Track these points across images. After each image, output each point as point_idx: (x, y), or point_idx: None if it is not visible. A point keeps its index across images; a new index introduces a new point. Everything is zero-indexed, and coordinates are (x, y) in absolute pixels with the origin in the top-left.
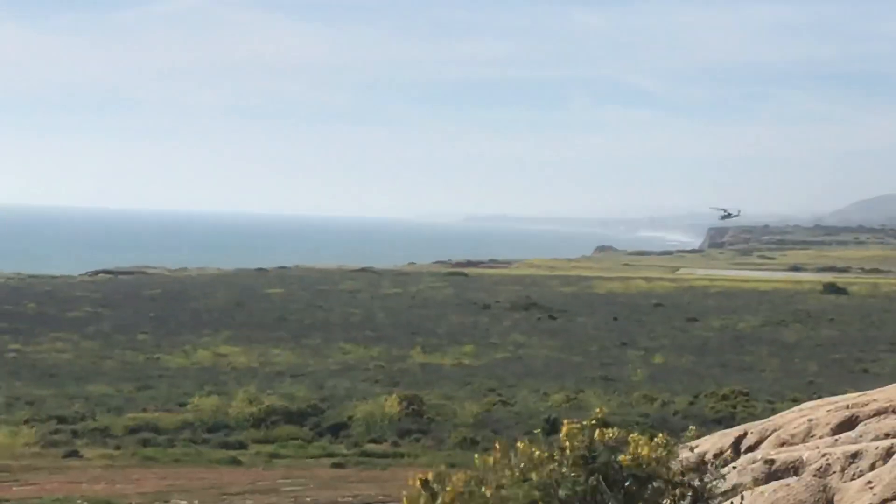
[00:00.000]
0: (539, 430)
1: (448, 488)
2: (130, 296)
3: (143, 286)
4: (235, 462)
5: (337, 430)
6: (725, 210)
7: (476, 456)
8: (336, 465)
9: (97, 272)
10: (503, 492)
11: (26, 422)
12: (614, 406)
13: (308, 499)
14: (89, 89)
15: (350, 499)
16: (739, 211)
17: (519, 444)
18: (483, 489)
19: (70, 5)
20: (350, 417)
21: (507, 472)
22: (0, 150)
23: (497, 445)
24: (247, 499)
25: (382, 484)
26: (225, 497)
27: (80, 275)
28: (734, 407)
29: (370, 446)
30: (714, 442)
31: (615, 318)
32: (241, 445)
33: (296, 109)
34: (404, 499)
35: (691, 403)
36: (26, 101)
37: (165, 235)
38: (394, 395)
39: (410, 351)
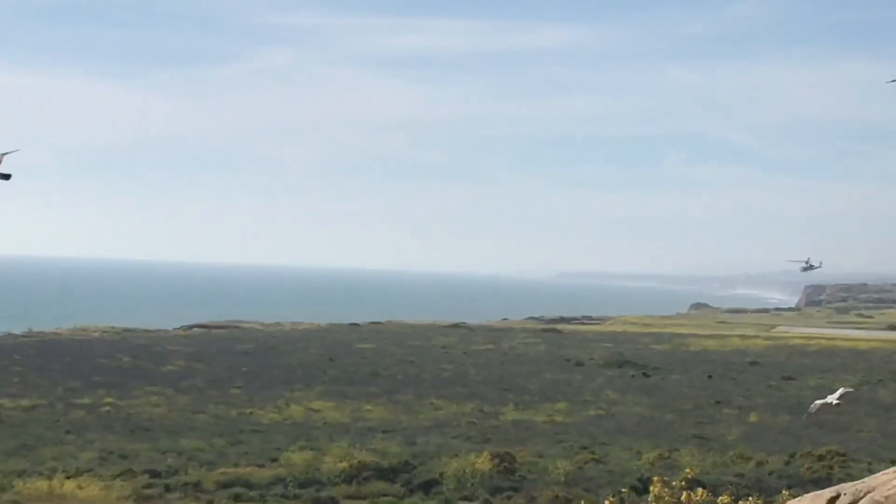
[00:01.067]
0: (627, 490)
1: None
2: (224, 350)
3: (237, 340)
4: None
5: (428, 486)
6: (807, 261)
7: None
8: None
9: (191, 326)
10: None
11: (120, 475)
12: (708, 465)
13: None
14: (184, 145)
15: None
16: (821, 263)
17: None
18: None
19: (167, 63)
20: (441, 474)
21: None
22: (100, 206)
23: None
24: None
25: None
26: None
27: (175, 329)
28: (831, 468)
29: (461, 503)
30: None
31: (710, 376)
32: (333, 501)
33: (391, 165)
34: None
35: (787, 463)
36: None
37: (260, 289)
38: (485, 452)
39: (503, 407)
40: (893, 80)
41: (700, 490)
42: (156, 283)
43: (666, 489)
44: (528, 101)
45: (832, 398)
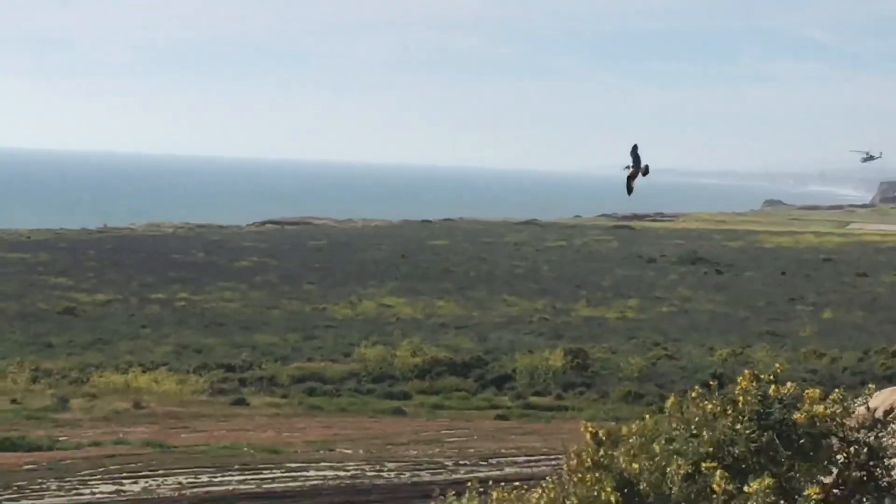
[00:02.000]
0: (714, 383)
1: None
2: (297, 246)
3: (310, 237)
4: (400, 412)
5: (501, 382)
6: (867, 153)
7: (647, 414)
8: (499, 417)
9: (264, 222)
10: (673, 446)
11: (195, 370)
12: (782, 361)
13: (471, 450)
14: (255, 41)
15: (513, 451)
16: (881, 153)
17: (692, 394)
18: (654, 444)
19: None
20: (514, 370)
21: (679, 427)
22: (172, 102)
23: (671, 398)
24: (410, 449)
25: (546, 437)
26: (389, 447)
27: (248, 225)
28: None
29: (534, 399)
30: (884, 399)
31: (783, 273)
32: (406, 396)
33: (464, 63)
34: (571, 452)
35: (860, 360)
36: (196, 55)
37: (332, 186)
38: (558, 349)
39: (575, 304)
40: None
41: (789, 384)
42: (228, 180)
43: (754, 383)
44: None
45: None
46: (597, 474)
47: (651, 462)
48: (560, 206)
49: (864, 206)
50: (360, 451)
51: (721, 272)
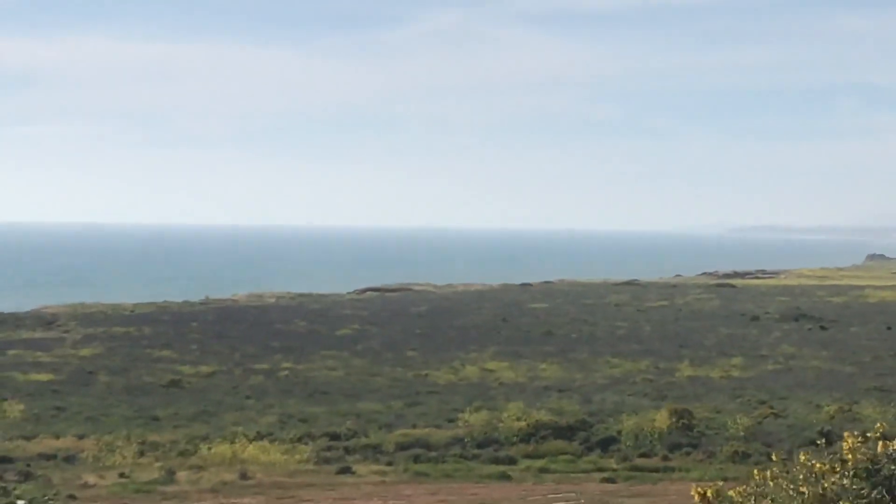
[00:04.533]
0: (822, 441)
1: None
2: (398, 313)
3: (410, 303)
4: (505, 477)
5: (606, 444)
6: None
7: (755, 470)
8: (606, 480)
9: (365, 290)
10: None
11: (300, 439)
12: (890, 418)
13: None
14: (352, 108)
15: None
16: None
17: (801, 457)
18: (761, 502)
19: (333, 27)
20: (619, 432)
21: (785, 485)
22: (271, 172)
23: (774, 457)
24: None
25: (653, 498)
26: None
27: (349, 293)
28: None
29: (640, 461)
30: None
31: (889, 328)
32: (511, 460)
33: (559, 124)
34: None
35: None
36: (291, 123)
37: (431, 251)
38: (663, 409)
39: (678, 364)
40: None
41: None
42: (327, 249)
43: (860, 440)
44: (697, 53)
45: None
46: None
47: None
48: (660, 265)
49: None
50: None
51: (825, 328)
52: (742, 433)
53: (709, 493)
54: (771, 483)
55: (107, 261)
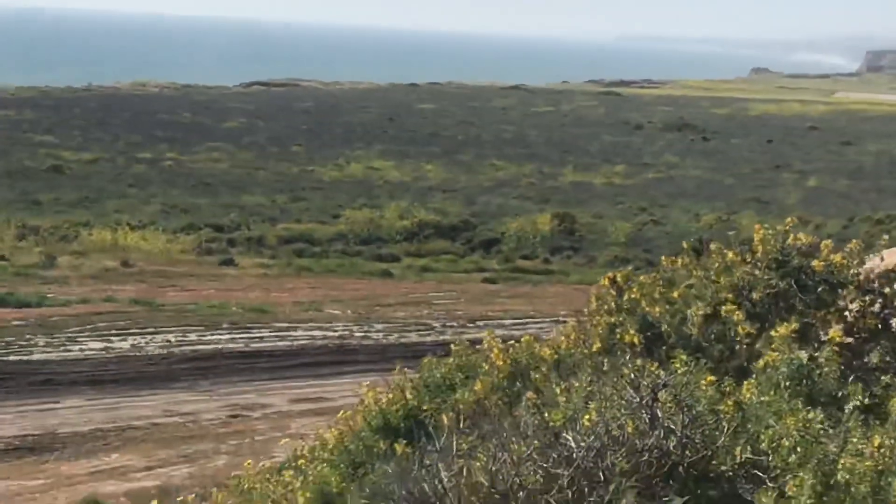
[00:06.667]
0: (733, 235)
1: (634, 287)
2: (284, 108)
3: (296, 98)
4: (388, 274)
5: (489, 245)
6: None
7: (662, 258)
8: (487, 280)
9: (251, 84)
10: (693, 291)
11: (183, 229)
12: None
13: (459, 312)
14: None
15: (500, 313)
16: None
17: (712, 246)
18: (672, 288)
19: None
20: (502, 233)
21: (698, 273)
22: None
23: (685, 246)
24: (398, 310)
25: (533, 300)
26: (377, 308)
27: (234, 86)
28: (888, 231)
29: (521, 262)
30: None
31: (769, 141)
32: (394, 258)
33: None
34: (592, 296)
35: (845, 227)
36: None
37: (318, 48)
38: (546, 213)
39: (562, 169)
40: None
41: (802, 235)
42: (214, 40)
43: (770, 232)
44: None
45: None
46: (620, 318)
47: (671, 306)
48: (547, 71)
49: (850, 74)
50: (349, 312)
51: (707, 139)
52: (622, 239)
53: (619, 278)
54: (684, 271)
55: None
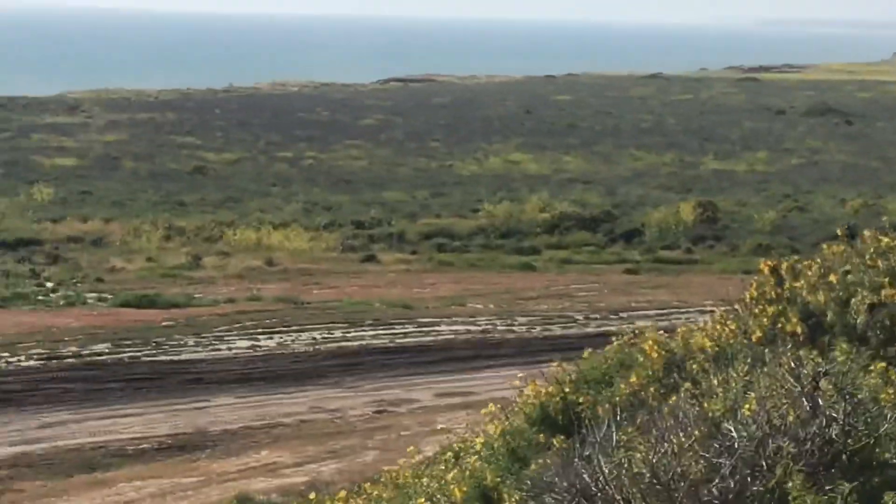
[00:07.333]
0: (889, 223)
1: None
2: (421, 103)
3: (433, 94)
4: (529, 267)
5: (630, 236)
6: None
7: (825, 245)
8: (629, 271)
9: (388, 80)
10: (850, 277)
11: (325, 227)
12: None
13: (601, 304)
14: None
15: (644, 304)
16: None
17: (866, 232)
18: (830, 276)
19: None
20: (643, 224)
21: (855, 260)
22: None
23: (839, 233)
24: (541, 303)
25: (675, 290)
26: (519, 301)
27: (371, 83)
28: None
29: (663, 252)
30: None
31: None
32: (534, 251)
33: None
34: (752, 285)
35: None
36: None
37: (453, 43)
38: (688, 202)
39: (703, 157)
40: None
41: None
42: (349, 39)
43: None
44: None
45: None
46: (780, 307)
47: (833, 293)
48: (685, 58)
49: None
50: (491, 306)
51: (851, 123)
52: (767, 227)
53: (782, 268)
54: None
55: (127, 47)
